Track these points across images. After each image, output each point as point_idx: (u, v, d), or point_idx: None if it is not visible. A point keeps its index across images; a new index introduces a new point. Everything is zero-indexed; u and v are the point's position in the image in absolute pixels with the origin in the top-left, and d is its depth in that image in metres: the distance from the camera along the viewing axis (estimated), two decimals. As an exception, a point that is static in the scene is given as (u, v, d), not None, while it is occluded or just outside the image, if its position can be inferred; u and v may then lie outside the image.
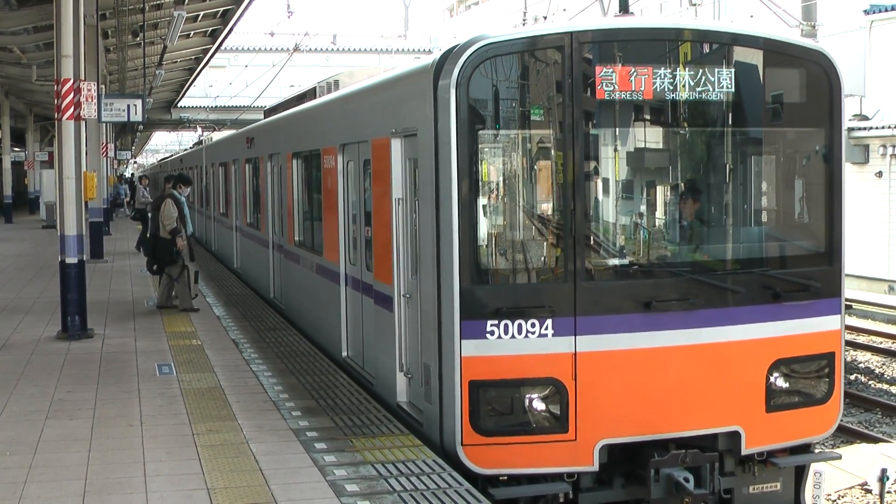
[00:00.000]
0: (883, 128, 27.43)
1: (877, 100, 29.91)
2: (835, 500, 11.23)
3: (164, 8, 27.33)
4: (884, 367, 18.13)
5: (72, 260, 13.17)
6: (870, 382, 17.02)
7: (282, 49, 54.15)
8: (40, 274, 20.92)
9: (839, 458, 9.24)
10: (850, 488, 11.41)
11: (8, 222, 42.51)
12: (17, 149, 55.09)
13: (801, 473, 8.46)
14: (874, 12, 30.64)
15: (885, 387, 16.89)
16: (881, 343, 19.82)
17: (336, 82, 13.95)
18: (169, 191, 15.49)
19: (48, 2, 16.53)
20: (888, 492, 10.85)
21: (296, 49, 37.68)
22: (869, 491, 11.24)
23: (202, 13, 29.54)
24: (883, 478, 10.63)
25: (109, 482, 7.10)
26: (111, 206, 37.21)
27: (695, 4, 18.33)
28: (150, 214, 16.34)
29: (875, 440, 13.35)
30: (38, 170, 47.89)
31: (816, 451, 8.68)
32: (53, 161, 16.93)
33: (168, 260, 15.09)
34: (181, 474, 7.26)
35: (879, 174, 27.66)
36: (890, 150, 27.47)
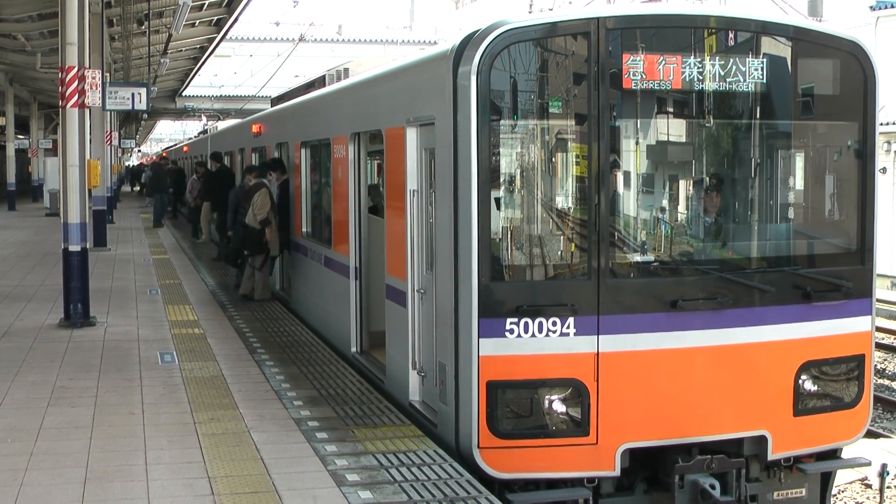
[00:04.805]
0: (888, 124, 27.35)
1: (882, 96, 29.81)
2: (835, 495, 11.22)
3: (169, -4, 27.32)
4: (885, 362, 18.13)
5: (75, 248, 13.18)
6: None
7: (287, 39, 54.18)
8: (43, 262, 20.92)
9: (868, 464, 8.98)
10: (850, 483, 11.41)
11: (11, 210, 42.51)
12: (20, 136, 55.09)
13: (826, 479, 8.14)
14: (880, 8, 30.61)
15: (887, 382, 16.91)
16: (883, 339, 19.79)
17: (346, 70, 13.56)
18: (255, 181, 15.03)
19: (53, -11, 16.53)
20: (888, 487, 10.87)
21: (301, 39, 37.68)
22: (869, 486, 11.25)
23: (207, 2, 29.50)
24: (883, 473, 10.65)
25: (110, 469, 7.12)
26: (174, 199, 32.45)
27: (698, -1, 18.28)
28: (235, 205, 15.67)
29: (876, 435, 13.34)
30: (41, 157, 47.86)
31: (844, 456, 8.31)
32: (57, 149, 16.89)
33: (257, 249, 14.84)
34: (182, 462, 7.27)
35: (884, 170, 27.61)
36: (894, 147, 27.41)
